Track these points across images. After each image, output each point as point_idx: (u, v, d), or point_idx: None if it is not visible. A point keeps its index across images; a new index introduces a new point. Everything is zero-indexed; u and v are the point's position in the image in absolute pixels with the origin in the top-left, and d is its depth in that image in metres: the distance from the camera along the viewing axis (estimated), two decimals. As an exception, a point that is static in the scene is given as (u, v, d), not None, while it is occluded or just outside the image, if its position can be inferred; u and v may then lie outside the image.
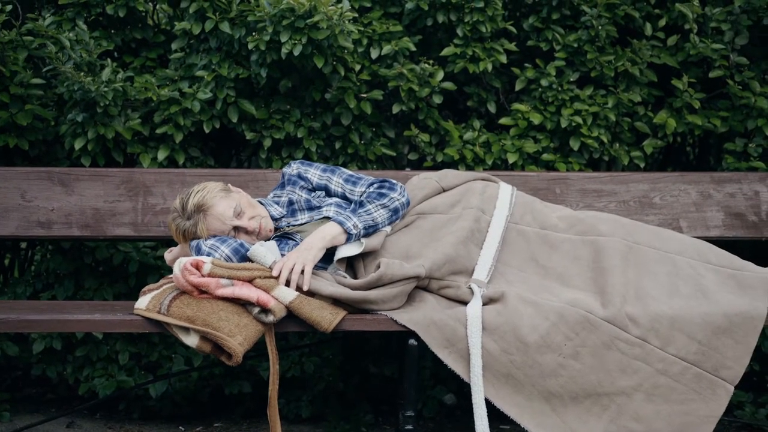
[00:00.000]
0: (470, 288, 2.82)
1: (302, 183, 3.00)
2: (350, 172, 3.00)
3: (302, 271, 2.71)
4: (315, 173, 3.00)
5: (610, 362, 2.71)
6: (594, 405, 2.71)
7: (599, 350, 2.71)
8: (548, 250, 2.94)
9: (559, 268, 2.91)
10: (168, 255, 3.04)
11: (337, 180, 2.97)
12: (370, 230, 2.82)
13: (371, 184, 2.93)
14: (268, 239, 2.89)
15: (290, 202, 2.97)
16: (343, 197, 2.97)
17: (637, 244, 2.95)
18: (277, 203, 3.00)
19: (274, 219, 2.95)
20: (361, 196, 2.93)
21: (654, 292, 2.83)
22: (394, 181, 2.93)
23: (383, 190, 2.89)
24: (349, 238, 2.79)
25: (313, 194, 2.99)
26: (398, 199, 2.86)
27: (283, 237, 2.93)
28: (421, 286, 2.86)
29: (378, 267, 2.78)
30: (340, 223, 2.76)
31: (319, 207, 2.94)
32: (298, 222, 2.94)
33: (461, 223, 2.93)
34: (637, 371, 2.71)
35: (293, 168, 3.03)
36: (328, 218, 2.89)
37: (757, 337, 2.77)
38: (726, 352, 2.75)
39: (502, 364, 2.70)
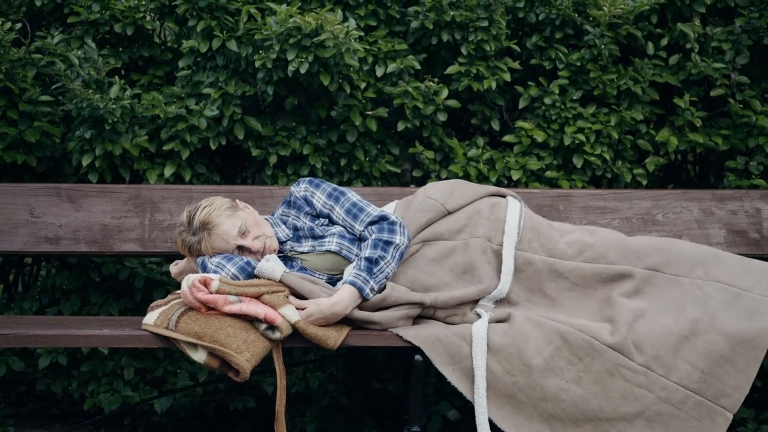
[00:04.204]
0: (477, 313, 2.85)
1: (307, 209, 2.99)
2: (354, 200, 2.96)
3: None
4: (320, 199, 2.98)
5: (612, 389, 2.72)
6: (594, 429, 2.72)
7: (602, 377, 2.72)
8: (555, 280, 2.93)
9: (567, 301, 2.91)
10: (174, 268, 3.06)
11: (339, 211, 2.95)
12: (383, 284, 2.83)
13: (371, 223, 2.89)
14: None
15: (295, 228, 2.98)
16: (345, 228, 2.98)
17: (647, 270, 2.94)
18: (285, 223, 3.01)
19: (280, 241, 2.96)
20: (360, 234, 2.92)
21: (661, 319, 2.83)
22: (393, 218, 2.89)
23: (385, 235, 2.84)
24: (366, 299, 2.80)
25: (316, 221, 2.99)
26: (402, 244, 2.85)
27: (287, 258, 2.95)
28: (427, 315, 2.87)
29: (384, 289, 2.81)
30: (360, 290, 2.76)
31: (323, 237, 2.94)
32: (302, 249, 2.95)
33: (470, 258, 2.91)
34: (640, 399, 2.72)
35: (301, 189, 3.02)
36: (330, 251, 2.91)
37: (758, 367, 2.78)
38: (727, 380, 2.76)
39: (505, 385, 2.71)
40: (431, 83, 3.47)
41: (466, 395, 2.73)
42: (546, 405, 2.71)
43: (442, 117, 3.52)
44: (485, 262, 2.91)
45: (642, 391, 2.72)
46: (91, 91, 3.31)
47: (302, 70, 3.30)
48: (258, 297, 2.74)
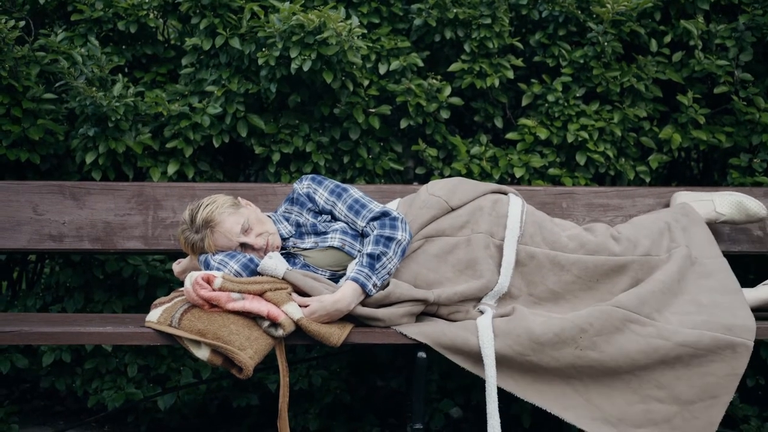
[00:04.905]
0: (480, 311, 2.85)
1: (310, 205, 2.99)
2: (356, 196, 2.96)
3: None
4: (323, 195, 2.99)
5: (627, 346, 2.75)
6: (615, 380, 2.76)
7: (613, 336, 2.74)
8: (558, 273, 2.94)
9: (569, 295, 2.93)
10: (176, 266, 3.06)
11: (341, 207, 2.96)
12: (386, 280, 2.83)
13: (373, 219, 2.90)
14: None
15: (298, 224, 2.99)
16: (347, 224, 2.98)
17: (643, 257, 2.97)
18: (287, 220, 3.01)
19: (283, 238, 2.96)
20: (363, 230, 2.92)
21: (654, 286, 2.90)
22: (394, 214, 2.90)
23: (387, 231, 2.85)
24: (369, 295, 2.80)
25: (319, 218, 2.99)
26: (404, 240, 2.86)
27: (289, 255, 2.95)
28: (430, 312, 2.88)
29: (387, 285, 2.81)
30: (362, 286, 2.77)
31: (325, 233, 2.95)
32: (304, 246, 2.96)
33: (473, 253, 2.93)
34: (657, 349, 2.75)
35: (304, 185, 3.02)
36: (332, 247, 2.91)
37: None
38: (735, 311, 2.82)
39: (519, 363, 2.74)
40: (434, 81, 3.47)
41: (482, 376, 2.74)
42: (564, 371, 2.74)
43: (445, 114, 3.52)
44: (488, 257, 2.93)
45: (657, 341, 2.75)
46: (94, 88, 3.31)
47: (305, 68, 3.30)
48: (261, 294, 2.74)
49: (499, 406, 2.74)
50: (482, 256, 2.92)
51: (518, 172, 3.49)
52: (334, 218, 2.99)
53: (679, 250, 2.98)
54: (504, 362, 2.73)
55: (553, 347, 2.72)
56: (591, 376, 2.75)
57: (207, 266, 2.86)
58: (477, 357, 2.73)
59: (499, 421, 2.71)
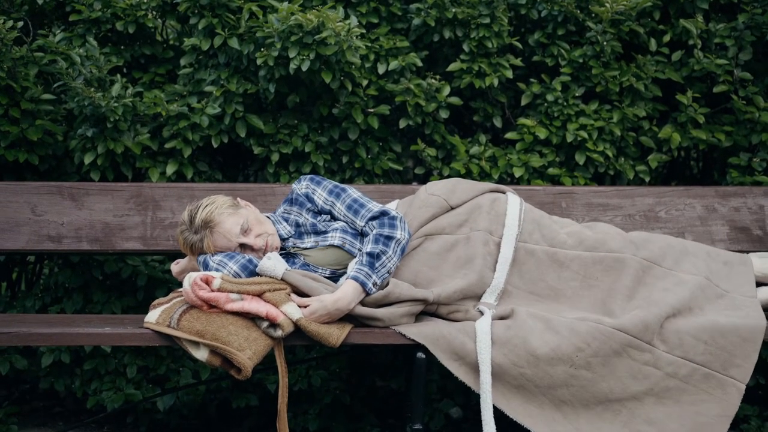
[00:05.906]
0: (480, 311, 2.85)
1: (308, 205, 3.00)
2: (354, 196, 2.97)
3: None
4: (321, 195, 2.99)
5: (620, 369, 2.74)
6: (605, 411, 2.74)
7: (610, 358, 2.73)
8: (557, 269, 2.94)
9: (569, 291, 2.92)
10: (175, 267, 3.06)
11: (340, 207, 2.96)
12: (386, 279, 2.84)
13: (372, 218, 2.90)
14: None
15: (297, 224, 2.99)
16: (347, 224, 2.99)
17: (645, 261, 2.96)
18: (286, 220, 3.02)
19: (282, 238, 2.96)
20: (362, 229, 2.92)
21: (656, 306, 2.85)
22: (393, 214, 2.91)
23: (386, 230, 2.85)
24: (369, 294, 2.80)
25: (318, 218, 3.00)
26: (403, 239, 2.86)
27: (289, 255, 2.95)
28: (429, 311, 2.88)
29: (386, 285, 2.81)
30: (362, 285, 2.77)
31: (325, 232, 2.95)
32: (304, 245, 2.96)
33: (472, 250, 2.93)
34: (648, 376, 2.74)
35: (302, 186, 3.03)
36: (333, 246, 2.92)
37: (763, 335, 2.80)
38: (734, 350, 2.77)
39: (513, 377, 2.72)
40: (433, 80, 3.46)
41: (473, 388, 2.73)
42: (556, 392, 2.72)
43: (444, 114, 3.51)
44: (487, 254, 2.93)
45: (649, 369, 2.73)
46: (92, 89, 3.31)
47: (304, 68, 3.30)
48: (260, 295, 2.74)
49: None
50: (480, 253, 2.93)
51: (517, 172, 3.48)
52: (333, 218, 2.99)
53: (696, 279, 2.94)
54: (498, 376, 2.72)
55: (548, 363, 2.71)
56: (582, 401, 2.73)
57: (206, 267, 2.85)
58: (473, 364, 2.73)
59: (494, 427, 2.70)
